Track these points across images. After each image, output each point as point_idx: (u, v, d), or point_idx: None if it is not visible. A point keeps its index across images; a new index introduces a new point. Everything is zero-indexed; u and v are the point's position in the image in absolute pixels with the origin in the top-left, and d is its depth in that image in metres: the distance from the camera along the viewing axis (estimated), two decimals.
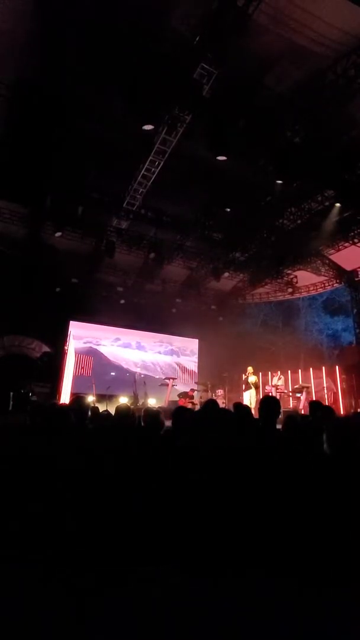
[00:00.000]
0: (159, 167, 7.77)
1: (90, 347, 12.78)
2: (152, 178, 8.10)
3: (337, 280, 12.47)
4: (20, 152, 7.38)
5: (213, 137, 6.44)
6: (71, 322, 12.13)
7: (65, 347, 11.89)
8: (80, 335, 12.58)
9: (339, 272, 12.08)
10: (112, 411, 4.04)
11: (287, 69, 5.94)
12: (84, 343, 12.66)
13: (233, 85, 6.03)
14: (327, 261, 11.68)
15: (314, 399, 9.48)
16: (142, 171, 7.95)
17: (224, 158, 6.90)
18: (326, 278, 12.63)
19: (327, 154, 7.00)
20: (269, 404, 3.09)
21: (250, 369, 9.41)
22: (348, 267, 11.87)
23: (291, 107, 6.38)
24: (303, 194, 8.71)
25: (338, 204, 8.54)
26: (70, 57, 5.65)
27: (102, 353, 12.94)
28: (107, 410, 5.88)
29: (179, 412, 2.47)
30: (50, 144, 7.19)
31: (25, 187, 8.28)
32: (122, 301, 12.45)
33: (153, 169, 7.87)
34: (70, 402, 2.74)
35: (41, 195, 8.50)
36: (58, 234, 9.46)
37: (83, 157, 7.65)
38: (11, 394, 8.40)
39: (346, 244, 10.56)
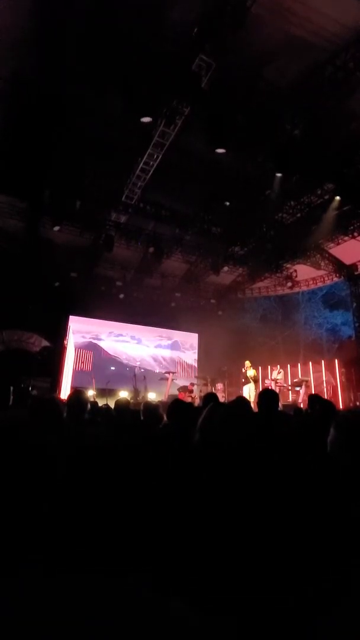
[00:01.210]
0: (157, 161, 7.72)
1: (90, 341, 12.81)
2: (151, 171, 8.06)
3: (337, 274, 12.46)
4: (18, 147, 7.34)
5: (212, 130, 6.41)
6: (70, 316, 12.15)
7: (65, 342, 11.93)
8: (80, 330, 12.60)
9: (339, 266, 12.07)
10: (112, 405, 4.08)
11: (286, 62, 5.88)
12: (84, 338, 12.70)
13: (232, 78, 5.98)
14: (326, 255, 11.66)
15: (313, 392, 9.54)
16: (141, 164, 7.90)
17: (223, 151, 6.87)
18: (326, 272, 12.62)
19: (327, 147, 6.96)
20: (267, 397, 3.12)
21: (247, 363, 9.47)
22: (348, 261, 11.86)
23: (290, 100, 6.33)
24: (302, 187, 8.67)
25: (338, 198, 8.50)
26: (69, 50, 5.59)
27: (101, 348, 12.98)
28: (106, 404, 5.93)
29: (176, 406, 2.49)
30: (48, 138, 7.15)
31: (23, 181, 8.24)
32: (122, 296, 12.46)
33: (152, 162, 7.83)
34: (68, 396, 2.75)
35: (39, 189, 8.46)
36: (56, 228, 9.43)
37: (81, 151, 7.61)
38: (11, 388, 8.44)
39: (346, 238, 10.53)
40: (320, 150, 6.93)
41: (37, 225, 9.96)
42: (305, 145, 6.73)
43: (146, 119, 6.55)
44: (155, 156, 7.65)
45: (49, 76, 5.95)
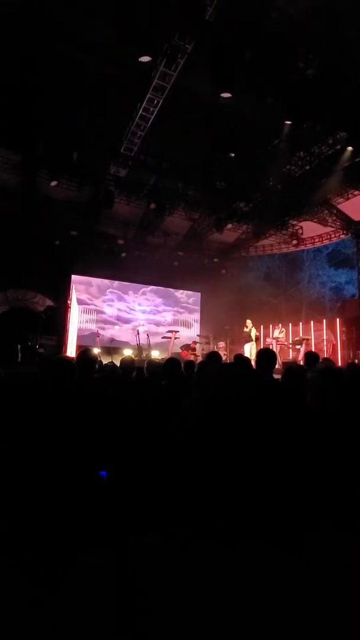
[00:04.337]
0: (158, 107, 7.19)
1: (93, 301, 12.88)
2: (151, 119, 7.53)
3: (344, 231, 12.09)
4: (5, 91, 6.80)
5: (217, 70, 5.87)
6: (73, 276, 12.08)
7: (69, 301, 11.99)
8: (83, 289, 12.62)
9: (347, 223, 11.66)
10: (117, 363, 4.21)
11: None
12: (87, 297, 12.74)
13: (239, 7, 5.35)
14: (334, 211, 11.22)
15: (312, 350, 9.71)
16: (140, 111, 7.36)
17: (228, 95, 6.36)
18: (333, 229, 12.23)
19: (342, 91, 6.41)
20: (265, 355, 3.21)
21: (249, 322, 9.56)
22: (356, 217, 11.44)
23: (304, 33, 5.70)
24: (313, 136, 8.12)
25: (350, 148, 8.01)
26: None
27: (105, 306, 13.07)
28: (112, 362, 6.11)
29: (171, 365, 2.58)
30: (36, 82, 6.60)
31: (13, 130, 7.74)
32: (124, 254, 12.27)
33: (152, 109, 7.29)
34: (77, 355, 2.82)
35: (32, 139, 7.99)
36: (54, 183, 9.06)
37: (74, 96, 7.07)
38: (19, 346, 8.65)
39: (356, 192, 10.07)
40: (335, 93, 6.38)
41: (33, 180, 9.55)
42: (319, 87, 6.19)
43: (145, 59, 5.99)
44: (155, 101, 7.10)
45: (32, 4, 5.34)
